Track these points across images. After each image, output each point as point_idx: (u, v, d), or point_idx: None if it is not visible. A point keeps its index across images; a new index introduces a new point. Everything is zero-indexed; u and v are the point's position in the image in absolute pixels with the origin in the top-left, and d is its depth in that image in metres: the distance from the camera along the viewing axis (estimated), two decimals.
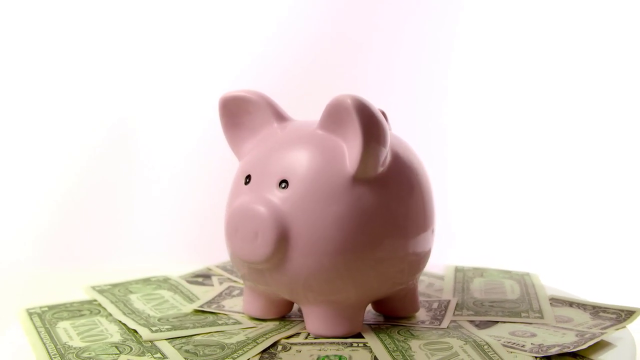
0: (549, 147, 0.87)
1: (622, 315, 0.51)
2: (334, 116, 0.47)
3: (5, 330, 0.51)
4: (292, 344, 0.47)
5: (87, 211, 0.88)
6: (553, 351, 0.45)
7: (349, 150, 0.46)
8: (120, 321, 0.51)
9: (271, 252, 0.45)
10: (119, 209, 0.88)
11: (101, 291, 0.58)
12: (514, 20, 0.86)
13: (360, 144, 0.45)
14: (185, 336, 0.48)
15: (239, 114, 0.52)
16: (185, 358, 0.44)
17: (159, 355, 0.45)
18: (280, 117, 0.51)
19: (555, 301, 0.56)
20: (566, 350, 0.44)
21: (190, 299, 0.58)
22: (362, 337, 0.48)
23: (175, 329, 0.49)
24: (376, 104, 0.45)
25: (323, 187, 0.46)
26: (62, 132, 0.89)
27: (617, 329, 0.49)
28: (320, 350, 0.46)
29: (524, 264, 0.69)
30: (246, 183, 0.49)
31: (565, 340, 0.47)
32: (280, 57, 0.85)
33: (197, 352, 0.45)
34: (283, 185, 0.46)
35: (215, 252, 0.65)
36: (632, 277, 0.76)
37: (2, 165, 0.91)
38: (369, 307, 0.53)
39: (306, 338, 0.48)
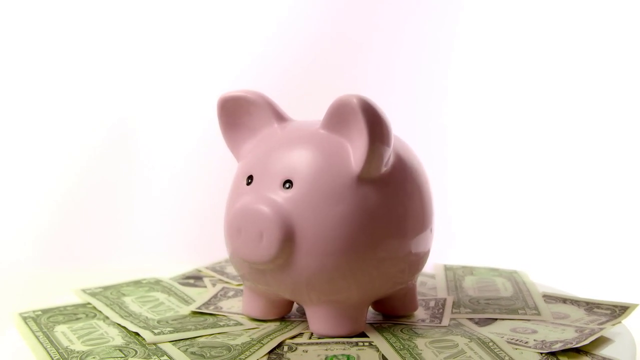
0: (541, 145, 0.88)
1: (617, 311, 0.53)
2: (338, 116, 0.47)
3: (5, 331, 0.50)
4: (297, 344, 0.47)
5: (87, 211, 0.87)
6: (557, 347, 0.45)
7: (354, 150, 0.46)
8: (119, 324, 0.51)
9: (277, 252, 0.45)
10: (119, 209, 0.87)
11: (93, 294, 0.58)
12: (514, 20, 0.87)
13: (366, 144, 0.45)
14: (188, 338, 0.48)
15: (238, 114, 0.51)
16: None
17: (165, 358, 0.44)
18: (280, 117, 0.51)
19: (549, 298, 0.57)
20: (569, 346, 0.45)
21: (185, 300, 0.57)
22: (367, 337, 0.48)
23: (177, 331, 0.49)
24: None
25: (328, 187, 0.46)
26: (62, 132, 0.88)
27: (614, 325, 0.50)
28: (326, 350, 0.46)
29: (509, 262, 0.70)
30: (248, 183, 0.48)
31: (566, 336, 0.48)
32: (280, 57, 0.85)
33: (204, 354, 0.45)
34: (287, 186, 0.46)
35: (214, 253, 0.65)
36: (616, 274, 0.78)
37: (2, 165, 0.89)
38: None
39: (310, 338, 0.48)
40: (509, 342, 0.47)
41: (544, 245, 0.84)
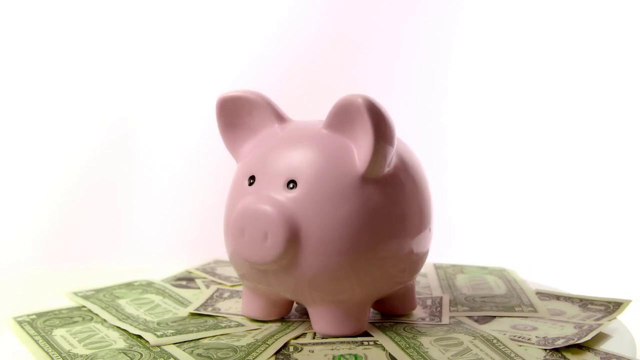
0: (534, 143, 0.89)
1: (611, 307, 0.54)
2: (342, 116, 0.47)
3: (5, 331, 0.49)
4: (302, 344, 0.47)
5: (87, 211, 0.86)
6: (559, 343, 0.46)
7: (358, 150, 0.46)
8: (118, 327, 0.50)
9: (281, 253, 0.45)
10: (119, 209, 0.86)
11: (85, 297, 0.57)
12: (514, 20, 0.88)
13: (372, 144, 0.45)
14: (192, 340, 0.47)
15: (238, 114, 0.51)
16: None
17: None
18: (280, 117, 0.50)
19: (542, 295, 0.58)
20: (571, 342, 0.46)
21: (181, 302, 0.56)
22: (370, 336, 0.48)
23: (180, 333, 0.48)
24: None
25: (332, 186, 0.46)
26: (62, 132, 0.87)
27: (610, 320, 0.51)
28: (332, 349, 0.46)
29: (495, 260, 0.71)
30: (250, 184, 0.48)
31: (566, 332, 0.48)
32: (280, 57, 0.85)
33: (210, 356, 0.44)
34: (291, 186, 0.46)
35: (216, 252, 0.64)
36: (603, 271, 0.79)
37: (3, 166, 0.87)
38: None
39: (314, 338, 0.48)
40: (512, 339, 0.47)
41: (530, 243, 0.85)
